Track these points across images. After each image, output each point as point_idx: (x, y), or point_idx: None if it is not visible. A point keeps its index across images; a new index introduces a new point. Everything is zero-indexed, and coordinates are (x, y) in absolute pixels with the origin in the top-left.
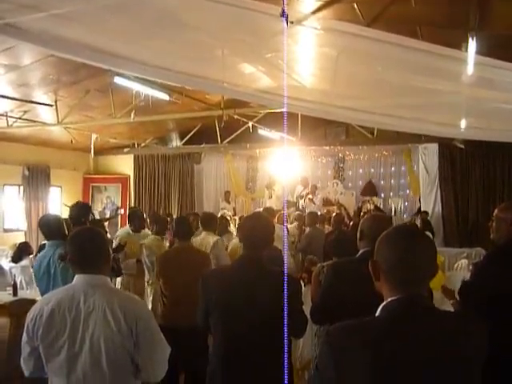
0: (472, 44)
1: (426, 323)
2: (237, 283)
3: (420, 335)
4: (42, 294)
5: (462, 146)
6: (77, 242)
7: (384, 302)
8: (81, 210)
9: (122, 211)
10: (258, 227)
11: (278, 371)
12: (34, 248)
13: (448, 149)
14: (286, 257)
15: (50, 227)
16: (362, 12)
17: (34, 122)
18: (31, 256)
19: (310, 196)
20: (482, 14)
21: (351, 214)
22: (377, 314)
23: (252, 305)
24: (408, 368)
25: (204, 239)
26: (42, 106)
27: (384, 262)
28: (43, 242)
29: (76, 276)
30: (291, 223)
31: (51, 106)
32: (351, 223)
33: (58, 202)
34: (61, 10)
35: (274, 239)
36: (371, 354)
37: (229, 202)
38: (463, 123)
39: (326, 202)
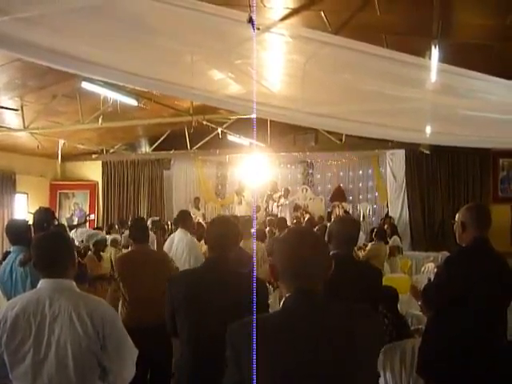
0: (435, 52)
1: (319, 316)
2: (202, 285)
3: (311, 327)
4: (8, 300)
5: (428, 152)
6: (41, 246)
7: (283, 299)
8: (42, 216)
9: (92, 216)
10: (223, 229)
11: None
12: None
13: (414, 155)
14: (254, 261)
15: (14, 232)
16: (329, 20)
17: None
18: None
19: (283, 200)
20: (445, 23)
21: (316, 220)
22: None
23: (216, 307)
24: (301, 358)
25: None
26: (7, 111)
27: (278, 262)
28: (8, 250)
29: (41, 280)
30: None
31: (16, 110)
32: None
33: (24, 210)
34: (26, 13)
35: (239, 241)
36: (266, 347)
37: (198, 209)
38: (428, 129)
39: (295, 208)
